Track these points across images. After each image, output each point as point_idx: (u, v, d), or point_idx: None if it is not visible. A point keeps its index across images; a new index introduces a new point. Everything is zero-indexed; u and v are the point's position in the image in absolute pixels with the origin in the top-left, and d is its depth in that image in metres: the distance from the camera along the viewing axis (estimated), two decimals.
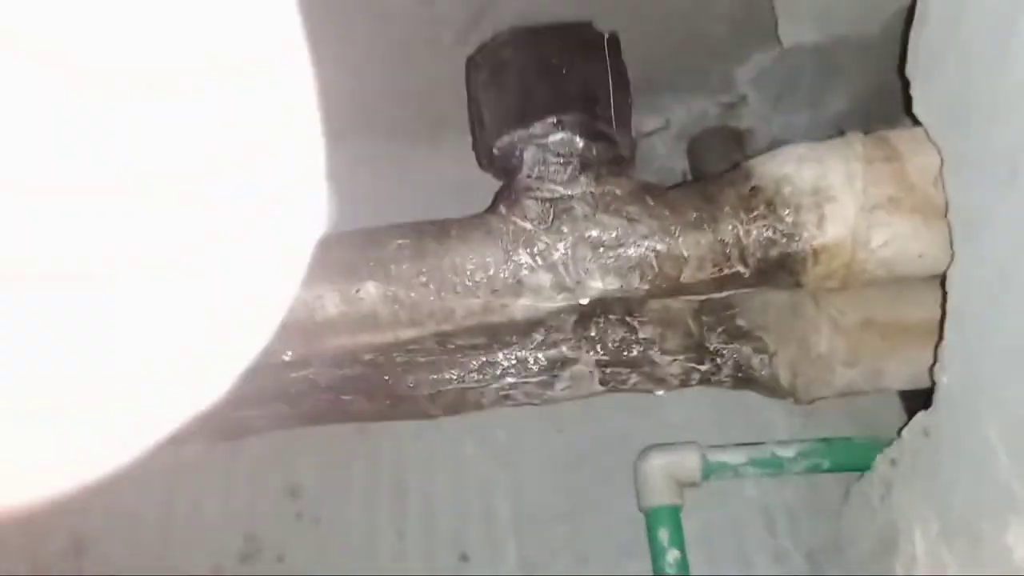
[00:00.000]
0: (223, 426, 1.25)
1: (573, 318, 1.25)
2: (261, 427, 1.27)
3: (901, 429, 0.98)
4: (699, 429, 1.33)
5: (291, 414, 1.24)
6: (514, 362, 1.24)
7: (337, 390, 1.22)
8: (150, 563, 1.32)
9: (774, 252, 0.96)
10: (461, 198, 1.53)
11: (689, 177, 1.74)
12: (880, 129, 1.04)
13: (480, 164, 1.13)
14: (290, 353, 1.00)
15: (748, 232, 0.96)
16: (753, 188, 0.98)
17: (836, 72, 1.59)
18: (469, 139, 1.54)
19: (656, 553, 1.20)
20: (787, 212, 0.95)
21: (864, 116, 1.67)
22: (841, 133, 1.03)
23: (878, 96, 1.65)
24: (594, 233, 0.97)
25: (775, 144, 1.70)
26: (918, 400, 1.30)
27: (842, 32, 1.47)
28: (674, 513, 1.22)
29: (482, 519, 1.34)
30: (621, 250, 0.97)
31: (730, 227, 0.96)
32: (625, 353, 1.24)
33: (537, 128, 1.00)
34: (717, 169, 1.60)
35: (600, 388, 1.27)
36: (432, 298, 0.98)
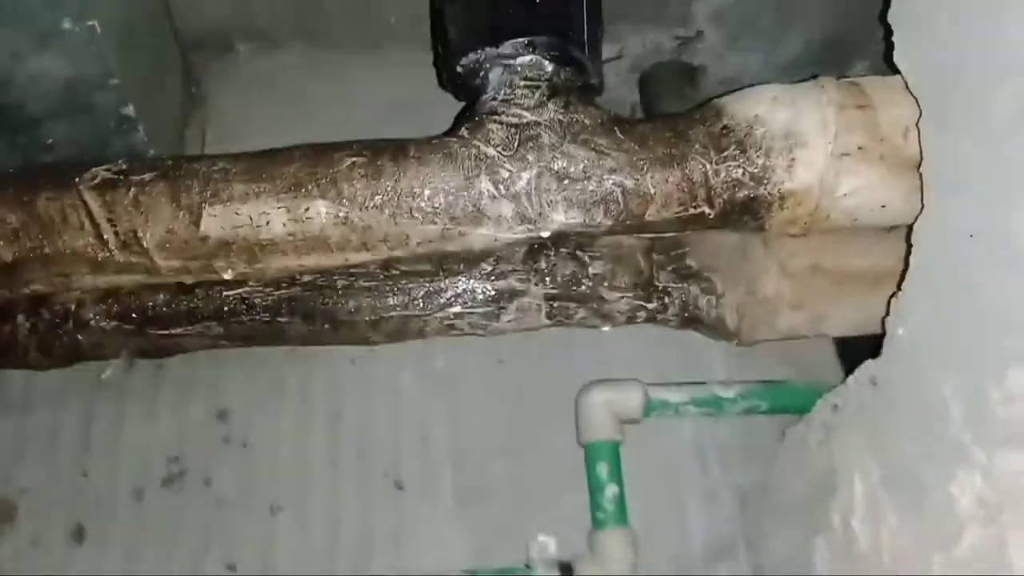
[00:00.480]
0: (150, 346, 1.18)
1: (523, 250, 1.22)
2: (190, 346, 1.20)
3: (844, 376, 1.00)
4: (639, 366, 1.32)
5: (223, 334, 1.18)
6: (460, 292, 1.21)
7: (273, 311, 1.17)
8: (63, 482, 1.25)
9: (741, 194, 0.95)
10: (405, 117, 1.46)
11: (639, 110, 1.71)
12: (830, 75, 1.01)
13: (440, 82, 1.07)
14: (230, 272, 0.94)
15: (717, 172, 0.94)
16: (724, 127, 0.95)
17: (796, 15, 1.57)
18: (416, 54, 1.46)
19: (594, 488, 1.21)
20: (758, 154, 0.93)
21: (816, 62, 1.67)
22: (813, 76, 1.01)
23: (832, 43, 1.65)
24: (561, 164, 0.93)
25: (727, 83, 1.68)
26: (850, 346, 1.33)
27: None
28: (614, 449, 1.22)
29: (418, 449, 1.32)
30: (587, 183, 0.94)
31: (699, 166, 0.94)
32: (575, 288, 1.22)
33: (507, 48, 0.95)
34: (668, 104, 1.57)
35: (547, 322, 1.25)
36: (386, 222, 0.93)
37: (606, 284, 1.23)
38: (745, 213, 0.96)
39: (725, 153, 0.94)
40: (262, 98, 1.58)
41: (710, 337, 1.28)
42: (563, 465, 1.28)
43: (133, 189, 0.90)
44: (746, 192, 0.94)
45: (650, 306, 1.24)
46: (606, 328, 1.28)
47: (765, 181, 0.93)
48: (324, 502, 1.27)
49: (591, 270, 1.22)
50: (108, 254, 0.91)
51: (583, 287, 1.22)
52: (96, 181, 0.90)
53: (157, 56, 1.43)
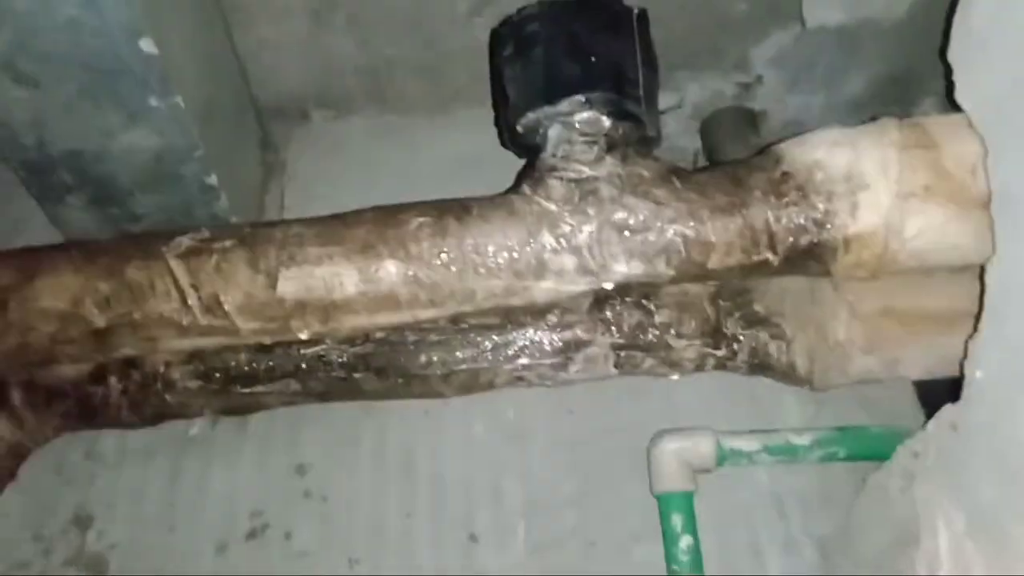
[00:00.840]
0: (233, 404, 1.23)
1: (588, 300, 1.23)
2: (270, 403, 1.25)
3: (925, 421, 0.97)
4: (710, 415, 1.31)
5: (301, 391, 1.22)
6: (528, 343, 1.23)
7: (348, 367, 1.20)
8: (152, 537, 1.30)
9: (804, 240, 0.94)
10: (474, 174, 1.51)
11: (701, 157, 1.72)
12: (895, 114, 1.01)
13: (502, 141, 1.11)
14: (306, 332, 0.98)
15: (778, 219, 0.94)
16: (784, 173, 0.96)
17: (856, 54, 1.57)
18: (483, 113, 1.51)
19: (668, 539, 1.19)
20: (819, 199, 0.93)
21: (880, 100, 1.65)
22: (872, 118, 1.01)
23: (896, 80, 1.63)
24: (620, 216, 0.95)
25: (789, 126, 1.68)
26: (931, 388, 1.29)
27: (868, 14, 1.44)
28: (687, 499, 1.21)
29: (491, 500, 1.32)
30: (648, 234, 0.95)
31: (760, 213, 0.94)
32: (641, 336, 1.23)
33: (564, 106, 0.97)
34: (731, 149, 1.58)
35: (614, 371, 1.26)
36: (453, 279, 0.96)
37: (673, 332, 1.23)
38: (809, 258, 0.96)
39: (786, 199, 0.94)
40: (336, 162, 1.65)
41: (782, 383, 1.26)
42: (636, 515, 1.27)
43: (215, 256, 0.96)
44: (809, 238, 0.94)
45: (719, 353, 1.24)
46: (675, 376, 1.28)
47: (828, 226, 0.93)
48: (400, 554, 1.29)
49: (657, 319, 1.22)
50: (192, 318, 0.96)
51: (650, 336, 1.22)
52: (181, 249, 0.96)
53: (237, 127, 1.52)
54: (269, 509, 1.32)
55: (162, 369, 1.18)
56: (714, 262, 0.96)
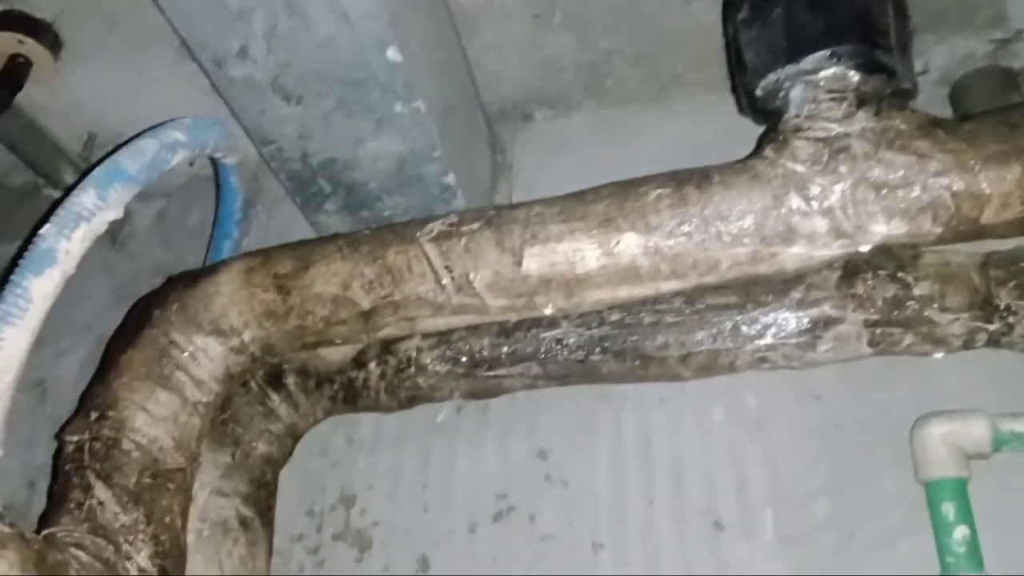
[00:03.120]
0: (478, 387, 1.28)
1: (836, 275, 1.16)
2: (511, 387, 1.29)
3: None
4: (976, 397, 1.19)
5: (541, 374, 1.25)
6: (771, 322, 1.18)
7: (586, 350, 1.22)
8: (410, 518, 1.38)
9: None
10: (696, 162, 1.48)
11: None
12: None
13: (740, 108, 1.08)
14: (550, 307, 1.00)
15: None
16: None
17: None
18: (702, 100, 1.48)
19: (940, 529, 1.09)
20: None
21: None
22: None
23: None
24: (877, 173, 0.89)
25: None
26: None
27: None
28: (960, 486, 1.10)
29: (735, 489, 1.28)
30: (909, 190, 0.88)
31: None
32: (898, 312, 1.14)
33: (807, 63, 0.93)
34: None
35: (868, 350, 1.18)
36: (695, 248, 0.95)
37: (935, 305, 1.13)
38: None
39: None
40: (559, 160, 1.68)
41: None
42: (897, 506, 1.18)
43: (464, 238, 1.01)
44: None
45: (991, 327, 1.12)
46: (939, 355, 1.17)
47: None
48: (643, 540, 1.28)
49: (915, 291, 1.13)
50: (446, 297, 1.02)
51: (908, 310, 1.13)
52: (433, 234, 1.02)
53: (470, 129, 1.59)
54: (513, 492, 1.36)
55: (414, 355, 1.26)
56: (988, 216, 0.87)
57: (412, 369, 1.26)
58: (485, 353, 1.24)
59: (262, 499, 1.23)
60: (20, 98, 1.55)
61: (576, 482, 1.35)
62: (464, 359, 1.25)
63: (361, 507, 1.41)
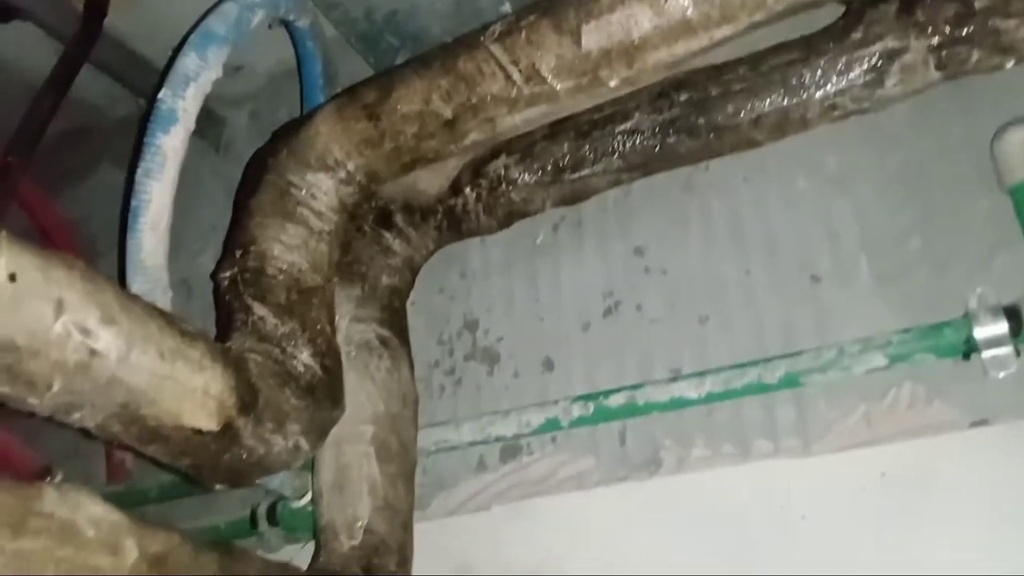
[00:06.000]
0: (567, 191, 1.37)
1: (894, 7, 1.18)
2: (598, 186, 1.37)
3: None
4: None
5: (623, 166, 1.33)
6: (835, 67, 1.21)
7: (661, 134, 1.29)
8: (529, 330, 1.50)
9: None
10: None
11: None
12: None
13: None
14: (615, 79, 1.07)
15: None
16: None
17: None
18: None
19: None
20: None
21: None
22: None
23: None
24: None
25: None
26: None
27: None
28: None
29: (827, 243, 1.34)
30: None
31: None
32: (961, 29, 1.15)
33: None
34: None
35: (937, 75, 1.20)
36: None
37: (999, 14, 1.13)
38: None
39: None
40: None
41: None
42: (987, 227, 1.21)
43: (524, 31, 1.08)
44: None
45: None
46: (1010, 63, 1.18)
47: None
48: (745, 305, 1.36)
49: (976, 4, 1.14)
50: (518, 90, 1.10)
51: (971, 25, 1.14)
52: (495, 35, 1.10)
53: None
54: (617, 289, 1.46)
55: (503, 172, 1.36)
56: None
57: (504, 186, 1.36)
58: (567, 157, 1.33)
59: (395, 322, 1.37)
60: (109, 27, 1.69)
61: (674, 269, 1.43)
62: (549, 167, 1.34)
63: (484, 328, 1.55)
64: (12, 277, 0.75)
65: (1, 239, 0.76)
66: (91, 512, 0.78)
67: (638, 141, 1.30)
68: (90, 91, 1.95)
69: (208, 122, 1.86)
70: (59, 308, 0.78)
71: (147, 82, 1.81)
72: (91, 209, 2.10)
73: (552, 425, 1.35)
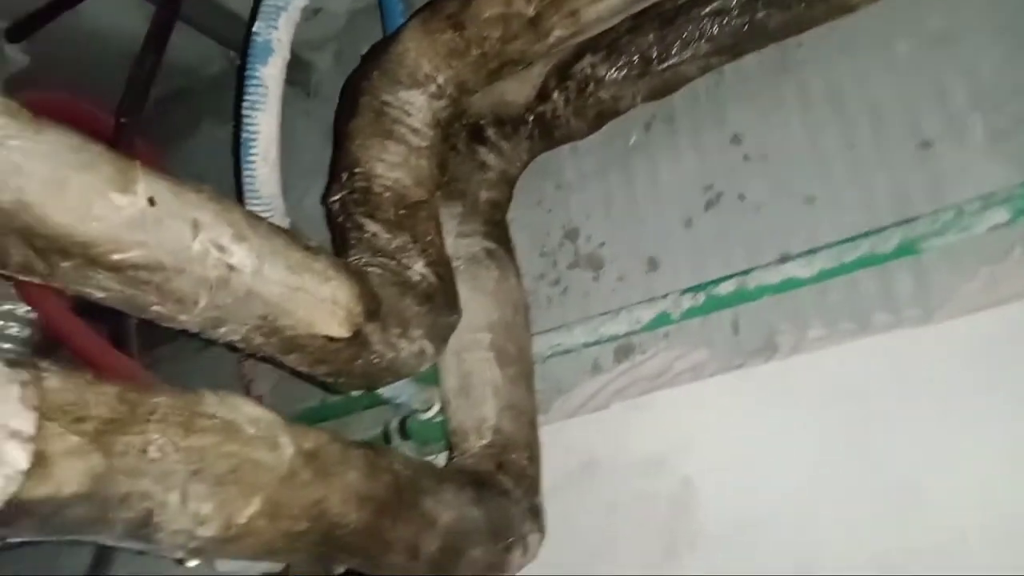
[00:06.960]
0: (656, 83, 1.36)
1: None
2: (689, 73, 1.35)
3: None
4: None
5: (712, 50, 1.30)
6: None
7: (750, 9, 1.25)
8: (630, 231, 1.50)
9: None
10: None
11: None
12: None
13: None
14: None
15: None
16: None
17: None
18: None
19: None
20: None
21: None
22: None
23: None
24: None
25: None
26: None
27: None
28: None
29: (935, 106, 1.28)
30: None
31: None
32: None
33: None
34: None
35: None
36: None
37: None
38: None
39: None
40: None
41: None
42: None
43: None
44: None
45: None
46: None
47: None
48: (854, 182, 1.32)
49: None
50: None
51: None
52: None
53: None
54: (717, 180, 1.44)
55: (590, 71, 1.35)
56: None
57: (591, 85, 1.36)
58: (654, 48, 1.31)
59: (498, 234, 1.40)
60: None
61: (775, 153, 1.40)
62: (636, 60, 1.33)
63: (585, 236, 1.55)
64: (151, 201, 0.80)
65: (136, 167, 0.81)
66: (249, 412, 0.85)
67: (725, 21, 1.27)
68: (183, 54, 2.02)
69: (296, 68, 1.90)
70: (196, 227, 0.83)
71: (236, 35, 1.86)
72: (196, 167, 2.20)
73: (663, 319, 1.36)
